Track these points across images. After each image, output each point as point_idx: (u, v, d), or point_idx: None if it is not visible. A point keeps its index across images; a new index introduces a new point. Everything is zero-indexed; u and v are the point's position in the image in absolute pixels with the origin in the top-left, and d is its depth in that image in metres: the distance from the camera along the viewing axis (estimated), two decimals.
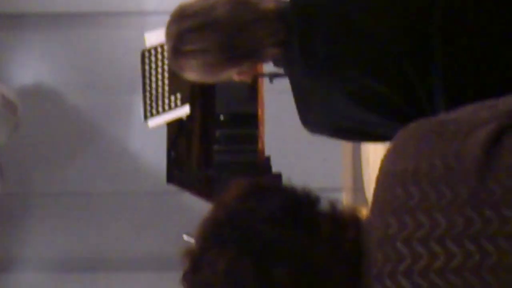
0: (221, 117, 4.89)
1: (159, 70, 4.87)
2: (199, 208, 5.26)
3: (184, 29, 2.14)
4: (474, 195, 1.17)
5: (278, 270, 1.19)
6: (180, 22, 2.15)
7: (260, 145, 4.91)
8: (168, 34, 2.19)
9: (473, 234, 1.15)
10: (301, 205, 1.27)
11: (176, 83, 4.78)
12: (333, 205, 1.30)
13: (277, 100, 4.80)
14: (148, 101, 4.89)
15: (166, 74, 4.85)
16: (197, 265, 1.26)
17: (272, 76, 4.62)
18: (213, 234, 1.26)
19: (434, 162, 1.22)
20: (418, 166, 1.24)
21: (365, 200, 5.22)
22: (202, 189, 4.95)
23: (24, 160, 6.89)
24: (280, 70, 2.35)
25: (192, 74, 2.21)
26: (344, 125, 2.12)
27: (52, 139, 6.92)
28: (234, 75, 2.21)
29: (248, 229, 1.23)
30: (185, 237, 4.40)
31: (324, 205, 1.30)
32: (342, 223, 1.26)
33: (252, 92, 4.83)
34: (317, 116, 2.15)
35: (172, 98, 4.89)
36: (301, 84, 2.15)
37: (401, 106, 1.97)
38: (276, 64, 2.26)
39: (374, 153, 4.74)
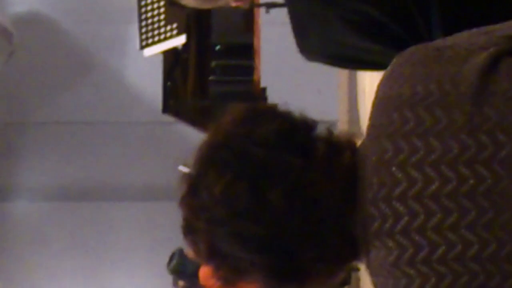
0: (217, 48, 4.87)
1: None
2: (194, 138, 5.27)
3: None
4: (470, 120, 1.17)
5: (273, 193, 1.20)
6: None
7: (256, 76, 4.90)
8: None
9: (468, 159, 1.16)
10: (297, 130, 1.28)
11: (173, 13, 4.75)
12: (329, 130, 1.30)
13: (273, 32, 4.79)
14: (144, 30, 4.87)
15: (162, 3, 4.82)
16: (194, 189, 1.27)
17: (269, 6, 4.60)
18: (209, 158, 1.27)
19: (430, 87, 1.22)
20: (414, 91, 1.24)
21: (360, 132, 5.20)
22: (198, 120, 4.96)
23: (19, 89, 6.87)
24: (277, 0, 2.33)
25: (190, 0, 2.19)
26: (341, 52, 2.11)
27: (47, 67, 6.89)
28: (231, 1, 2.19)
29: (244, 153, 1.24)
30: (181, 167, 4.43)
31: (320, 130, 1.30)
32: (337, 147, 1.26)
33: (248, 22, 4.81)
34: (314, 43, 2.14)
35: (169, 27, 4.86)
36: (298, 11, 2.13)
37: (399, 33, 1.96)
38: None
39: (370, 85, 4.73)
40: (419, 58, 1.29)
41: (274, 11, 4.56)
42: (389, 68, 1.34)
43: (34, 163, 6.91)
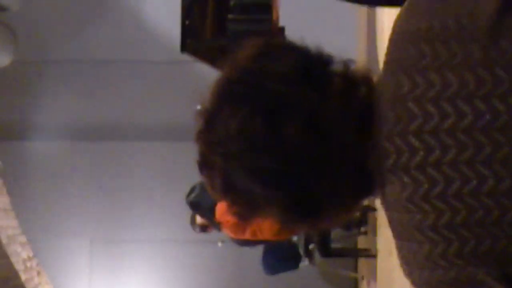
0: None
1: None
2: (213, 77, 5.26)
3: None
4: (486, 55, 1.15)
5: (288, 127, 1.20)
6: None
7: (274, 15, 4.87)
8: None
9: (484, 94, 1.14)
10: (313, 64, 1.26)
11: None
12: (346, 65, 1.29)
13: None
14: None
15: None
16: (210, 124, 1.26)
17: None
18: (225, 93, 1.26)
19: (447, 21, 1.20)
20: (431, 25, 1.22)
21: (379, 70, 5.17)
22: (216, 58, 4.94)
23: (38, 26, 6.86)
24: None
25: None
26: None
27: (66, 6, 6.88)
28: None
29: (260, 88, 1.23)
30: (199, 107, 4.42)
31: (337, 64, 1.29)
32: (353, 82, 1.25)
33: None
34: None
35: None
36: None
37: None
38: None
39: (388, 24, 4.68)
40: None
41: None
42: (406, 2, 1.32)
43: (53, 102, 6.94)
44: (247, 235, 3.71)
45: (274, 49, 1.30)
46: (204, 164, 1.29)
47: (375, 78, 1.28)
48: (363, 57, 6.17)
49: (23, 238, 6.08)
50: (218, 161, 1.26)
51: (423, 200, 1.17)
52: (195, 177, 1.38)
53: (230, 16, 4.84)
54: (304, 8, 5.33)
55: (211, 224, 3.98)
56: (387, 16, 4.25)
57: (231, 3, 4.83)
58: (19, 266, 5.79)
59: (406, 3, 1.30)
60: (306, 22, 5.89)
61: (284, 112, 1.22)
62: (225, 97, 1.28)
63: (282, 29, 4.94)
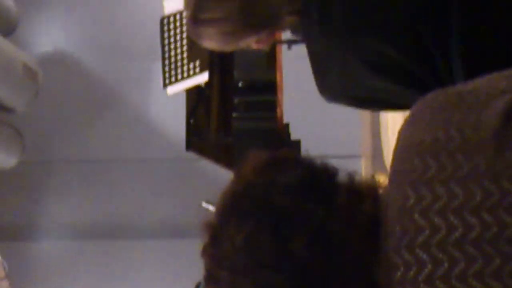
0: (240, 84, 4.88)
1: (178, 37, 4.86)
2: (218, 175, 5.28)
3: None
4: (492, 166, 1.16)
5: (295, 243, 1.20)
6: None
7: (278, 112, 4.91)
8: (186, 3, 2.18)
9: (491, 206, 1.15)
10: (318, 178, 1.27)
11: (195, 51, 4.77)
12: (351, 177, 1.29)
13: (295, 66, 4.79)
14: (167, 69, 4.88)
15: (185, 41, 4.84)
16: (216, 239, 1.27)
17: (290, 43, 4.61)
18: (231, 207, 1.26)
19: (452, 133, 1.22)
20: (436, 137, 1.23)
21: (384, 166, 5.21)
22: (221, 156, 4.97)
23: (44, 127, 6.92)
24: (298, 37, 2.34)
25: (211, 42, 2.20)
26: (362, 93, 2.11)
27: (72, 106, 6.95)
28: (252, 43, 2.20)
29: (266, 202, 1.24)
30: (204, 204, 4.43)
31: (342, 177, 1.30)
32: (359, 195, 1.25)
33: (270, 58, 4.82)
34: (335, 85, 2.14)
35: (191, 65, 4.88)
36: (318, 52, 2.14)
37: (419, 74, 1.96)
38: (293, 32, 2.25)
39: (392, 120, 4.72)
40: (440, 103, 1.29)
41: (296, 46, 4.59)
42: (409, 113, 1.34)
43: (58, 202, 6.94)
44: None
45: (279, 163, 1.30)
46: (210, 279, 1.28)
47: (381, 189, 1.29)
48: (367, 151, 6.19)
49: None
50: (224, 276, 1.26)
51: None
52: (200, 274, 1.37)
53: (234, 114, 4.88)
54: (308, 104, 5.36)
55: None
56: (391, 114, 4.28)
57: (235, 101, 4.87)
58: None
59: (409, 115, 1.32)
60: (310, 117, 5.94)
61: (290, 227, 1.22)
62: (231, 211, 1.28)
63: (286, 126, 4.97)
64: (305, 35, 2.18)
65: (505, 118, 1.19)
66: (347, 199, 1.23)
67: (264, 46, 2.24)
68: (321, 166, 1.30)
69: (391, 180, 1.26)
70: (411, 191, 1.20)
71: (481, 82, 1.32)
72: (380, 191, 1.28)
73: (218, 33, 2.14)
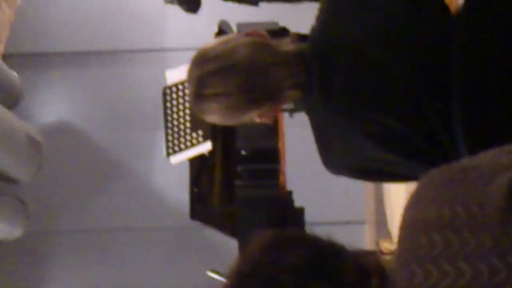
0: (243, 152, 4.90)
1: (180, 107, 4.90)
2: (223, 243, 5.27)
3: (205, 73, 2.14)
4: (498, 243, 1.16)
5: None
6: (201, 66, 2.16)
7: (281, 180, 4.91)
8: (189, 79, 2.20)
9: (498, 283, 1.15)
10: (325, 256, 1.27)
11: (198, 120, 4.79)
12: (357, 254, 1.30)
13: (297, 134, 4.83)
14: (170, 138, 4.91)
15: (187, 111, 4.88)
16: None
17: (292, 111, 4.64)
18: (238, 287, 1.27)
19: (457, 209, 1.22)
20: (441, 214, 1.24)
21: (388, 232, 5.20)
22: (225, 225, 4.96)
23: (48, 198, 6.92)
24: (300, 110, 2.35)
25: (214, 117, 2.21)
26: (365, 165, 2.12)
27: (75, 176, 6.96)
28: (255, 117, 2.21)
29: (272, 281, 1.24)
30: (209, 273, 4.41)
31: (348, 254, 1.30)
32: (366, 273, 1.26)
33: (272, 127, 4.84)
34: (338, 157, 2.15)
35: (194, 134, 4.91)
36: (321, 125, 2.15)
37: (422, 146, 1.97)
38: (296, 106, 2.27)
39: (396, 186, 4.72)
40: (444, 179, 1.29)
41: (297, 114, 4.61)
42: (414, 190, 1.34)
43: (64, 272, 6.91)
44: None
45: (285, 241, 1.31)
46: None
47: (387, 268, 1.29)
48: (370, 217, 6.18)
49: None
50: None
51: None
52: None
53: (237, 182, 4.88)
54: (311, 170, 5.37)
55: None
56: None
57: (238, 169, 4.87)
58: None
59: (413, 192, 1.32)
60: (313, 184, 5.94)
61: None
62: None
63: (290, 193, 4.96)
64: (307, 108, 2.20)
65: (509, 194, 1.19)
66: (355, 277, 1.23)
67: (267, 120, 2.26)
68: (327, 243, 1.31)
69: (397, 257, 1.26)
70: (418, 268, 1.20)
71: (484, 158, 1.33)
72: (387, 268, 1.28)
73: (221, 108, 2.16)
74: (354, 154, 2.12)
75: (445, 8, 2.04)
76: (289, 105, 4.45)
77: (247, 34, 2.21)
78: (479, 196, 1.23)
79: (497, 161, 1.30)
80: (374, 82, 2.05)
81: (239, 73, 2.12)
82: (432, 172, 1.35)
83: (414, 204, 1.31)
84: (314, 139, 2.21)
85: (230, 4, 6.11)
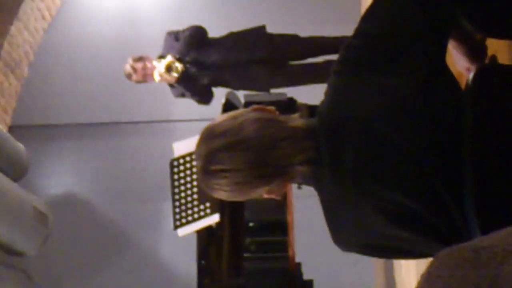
0: (251, 225, 4.89)
1: (188, 179, 4.90)
2: None
3: (213, 149, 2.13)
4: None
5: None
6: (209, 142, 2.15)
7: (290, 252, 4.88)
8: (197, 155, 2.19)
9: None
10: None
11: (206, 192, 4.78)
12: None
13: (306, 205, 4.81)
14: (177, 210, 4.89)
15: (195, 183, 4.87)
16: None
17: (301, 183, 4.63)
18: None
19: None
20: None
21: None
22: None
23: (54, 270, 6.89)
24: (309, 186, 2.34)
25: (222, 193, 2.19)
26: (376, 242, 2.09)
27: (82, 248, 6.94)
28: (263, 193, 2.20)
29: None
30: None
31: None
32: None
33: (281, 199, 4.84)
34: (349, 234, 2.12)
35: (202, 206, 4.90)
36: (331, 202, 2.14)
37: (434, 223, 1.95)
38: (305, 181, 2.25)
39: (406, 261, 4.68)
40: (456, 261, 1.28)
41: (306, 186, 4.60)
42: (425, 271, 1.32)
43: None
44: None
45: None
46: None
47: None
48: None
49: None
50: None
51: None
52: None
53: (246, 254, 4.86)
54: (320, 242, 5.34)
55: None
56: None
57: (247, 241, 4.86)
58: None
59: (424, 273, 1.31)
60: (322, 256, 5.90)
61: None
62: None
63: (299, 266, 4.94)
64: (316, 184, 2.18)
65: None
66: None
67: (275, 196, 2.24)
68: None
69: None
70: None
71: (497, 237, 1.32)
72: None
73: (229, 184, 2.14)
74: (365, 231, 2.10)
75: (455, 84, 2.04)
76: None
77: (255, 109, 2.20)
78: (492, 277, 1.22)
79: (509, 241, 1.28)
80: (385, 159, 2.03)
81: (248, 149, 2.11)
82: (444, 253, 1.33)
83: (426, 285, 1.29)
84: (324, 216, 2.19)
85: None
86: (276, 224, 4.89)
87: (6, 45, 6.89)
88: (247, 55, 5.88)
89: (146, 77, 5.92)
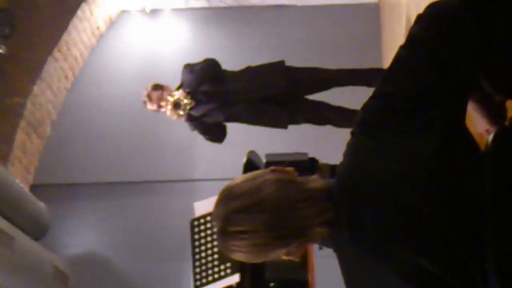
0: (271, 285, 4.84)
1: (208, 239, 4.86)
2: None
3: (232, 210, 2.12)
4: None
5: None
6: (228, 204, 2.14)
7: None
8: (216, 216, 2.18)
9: None
10: None
11: None
12: None
13: (327, 265, 4.75)
14: (198, 270, 4.86)
15: (215, 243, 4.84)
16: None
17: (322, 244, 4.59)
18: None
19: None
20: None
21: None
22: None
23: None
24: (328, 248, 2.31)
25: (240, 255, 2.18)
26: None
27: None
28: (282, 255, 2.17)
29: None
30: None
31: None
32: None
33: (301, 259, 4.79)
34: None
35: (222, 266, 4.86)
36: (350, 264, 2.11)
37: (454, 286, 1.92)
38: (324, 243, 2.22)
39: None
40: None
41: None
42: None
43: None
44: None
45: None
46: None
47: None
48: None
49: None
50: None
51: None
52: None
53: None
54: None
55: None
56: None
57: (270, 285, 4.80)
58: None
59: None
60: None
61: None
62: None
63: None
64: (335, 246, 2.16)
65: None
66: None
67: (294, 258, 2.22)
68: None
69: None
70: None
71: None
72: None
73: (247, 246, 2.12)
74: None
75: (475, 145, 2.03)
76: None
77: (274, 171, 2.19)
78: None
79: None
80: (404, 220, 2.01)
81: (266, 211, 2.10)
82: None
83: None
84: (343, 279, 2.16)
85: (260, 133, 6.14)
86: (297, 284, 4.84)
87: (29, 105, 6.95)
88: (265, 90, 5.77)
89: (160, 108, 5.77)
